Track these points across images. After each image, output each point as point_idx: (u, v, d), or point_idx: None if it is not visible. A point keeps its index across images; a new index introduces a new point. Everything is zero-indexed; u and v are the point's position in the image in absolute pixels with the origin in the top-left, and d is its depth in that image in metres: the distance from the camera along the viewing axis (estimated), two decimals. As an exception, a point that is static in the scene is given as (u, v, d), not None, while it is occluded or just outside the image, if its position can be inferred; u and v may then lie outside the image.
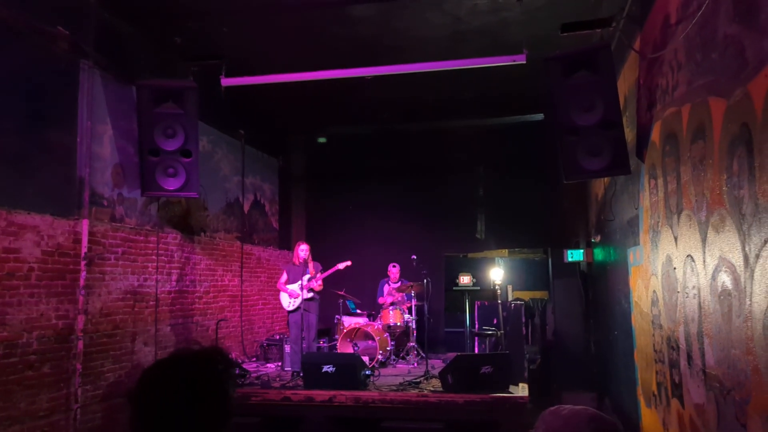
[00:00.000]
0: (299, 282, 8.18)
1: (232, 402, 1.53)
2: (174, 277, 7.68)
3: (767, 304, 2.69)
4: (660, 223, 4.78)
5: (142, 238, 7.03)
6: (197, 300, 8.21)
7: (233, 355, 8.66)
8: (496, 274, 9.92)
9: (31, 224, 5.40)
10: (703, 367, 3.74)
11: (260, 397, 6.72)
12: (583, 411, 1.52)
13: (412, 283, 9.10)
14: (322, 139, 11.36)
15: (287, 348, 8.29)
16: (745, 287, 2.96)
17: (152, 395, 1.46)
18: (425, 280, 8.51)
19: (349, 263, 8.58)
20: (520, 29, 6.76)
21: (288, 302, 8.32)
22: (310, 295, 8.29)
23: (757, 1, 2.77)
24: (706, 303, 3.61)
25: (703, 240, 3.63)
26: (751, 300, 2.88)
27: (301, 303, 8.17)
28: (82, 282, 5.98)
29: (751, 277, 2.87)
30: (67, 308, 5.80)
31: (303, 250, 8.45)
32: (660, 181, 4.75)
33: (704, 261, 3.63)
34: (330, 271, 8.52)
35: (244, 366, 7.90)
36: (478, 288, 11.11)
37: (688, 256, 3.99)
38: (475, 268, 11.64)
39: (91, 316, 6.10)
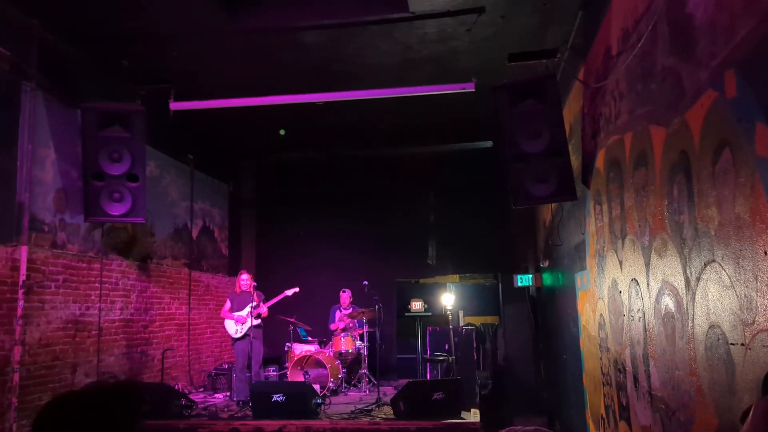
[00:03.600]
0: (247, 308, 8.04)
1: None
2: (118, 306, 7.43)
3: (708, 326, 2.77)
4: (605, 248, 4.89)
5: (84, 265, 6.80)
6: (143, 329, 7.96)
7: (179, 386, 8.39)
8: (448, 299, 9.98)
9: (-34, 251, 5.17)
10: (649, 389, 3.81)
11: (207, 428, 6.52)
12: (533, 431, 1.56)
13: (363, 309, 9.01)
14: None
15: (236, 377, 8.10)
16: (687, 310, 3.04)
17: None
18: (377, 306, 8.47)
19: (296, 290, 8.48)
20: (469, 58, 6.90)
21: (235, 329, 8.12)
22: (258, 321, 8.13)
23: (693, 35, 2.89)
24: (651, 325, 3.70)
25: (647, 264, 3.73)
26: (693, 322, 2.96)
27: (249, 330, 8.00)
28: (19, 311, 5.72)
29: (693, 299, 2.95)
30: (2, 339, 5.53)
31: (244, 280, 8.31)
32: (605, 207, 4.88)
33: (648, 284, 3.72)
34: (277, 298, 8.39)
35: (191, 396, 7.64)
36: (430, 314, 11.15)
37: (632, 279, 4.08)
38: (426, 293, 11.66)
39: (29, 347, 5.84)
